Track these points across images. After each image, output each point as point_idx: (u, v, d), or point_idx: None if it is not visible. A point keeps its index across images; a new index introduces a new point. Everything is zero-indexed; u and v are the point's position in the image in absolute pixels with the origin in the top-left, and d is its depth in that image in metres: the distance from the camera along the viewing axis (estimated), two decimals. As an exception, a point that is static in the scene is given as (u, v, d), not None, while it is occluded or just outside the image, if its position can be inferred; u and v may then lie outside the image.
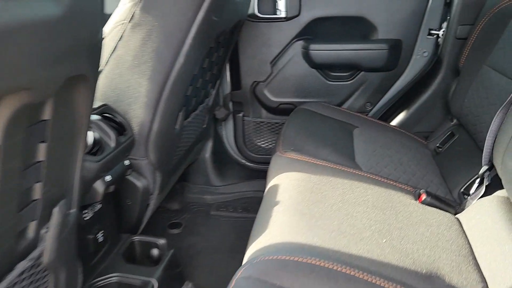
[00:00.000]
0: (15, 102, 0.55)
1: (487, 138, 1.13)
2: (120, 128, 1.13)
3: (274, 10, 1.79)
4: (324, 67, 1.87)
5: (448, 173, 1.42)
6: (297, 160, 1.26)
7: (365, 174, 1.23)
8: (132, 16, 1.14)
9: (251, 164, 2.07)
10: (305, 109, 1.69)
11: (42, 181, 0.69)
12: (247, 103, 1.97)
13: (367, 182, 1.18)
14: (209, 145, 2.00)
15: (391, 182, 1.21)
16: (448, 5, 1.69)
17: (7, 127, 0.55)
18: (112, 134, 1.04)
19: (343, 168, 1.24)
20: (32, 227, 0.73)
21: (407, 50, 1.78)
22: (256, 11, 1.78)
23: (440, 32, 1.72)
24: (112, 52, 1.16)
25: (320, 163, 1.24)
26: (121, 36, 1.14)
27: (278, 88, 1.91)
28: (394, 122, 1.83)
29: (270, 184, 1.21)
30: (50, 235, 0.75)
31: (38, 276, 0.77)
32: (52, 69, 0.58)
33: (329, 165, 1.24)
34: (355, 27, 1.81)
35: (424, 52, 1.77)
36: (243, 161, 2.07)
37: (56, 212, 0.76)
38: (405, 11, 1.72)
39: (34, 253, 0.74)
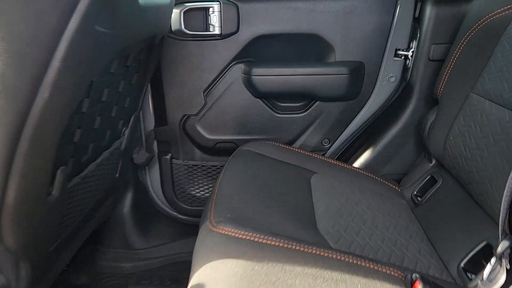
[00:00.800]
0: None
1: (502, 205, 0.79)
2: None
3: (206, 25, 1.41)
4: (270, 97, 1.50)
5: (437, 236, 1.07)
6: (235, 238, 0.85)
7: (335, 255, 0.85)
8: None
9: (184, 217, 1.64)
10: (248, 150, 1.30)
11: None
12: (175, 143, 1.55)
13: (339, 270, 0.80)
14: (128, 197, 1.56)
15: (372, 266, 0.84)
16: (417, 20, 1.39)
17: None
18: None
19: (303, 248, 0.85)
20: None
21: (371, 74, 1.45)
22: (182, 27, 1.39)
23: (409, 53, 1.41)
24: None
25: (270, 242, 0.85)
26: None
27: (214, 123, 1.51)
28: (358, 163, 1.48)
29: (194, 277, 0.80)
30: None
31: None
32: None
33: (284, 244, 0.85)
34: (308, 48, 1.47)
35: (391, 76, 1.45)
36: (174, 213, 1.65)
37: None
38: (367, 28, 1.40)
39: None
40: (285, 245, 0.85)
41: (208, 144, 1.54)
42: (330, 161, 1.36)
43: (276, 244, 0.85)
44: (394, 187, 1.34)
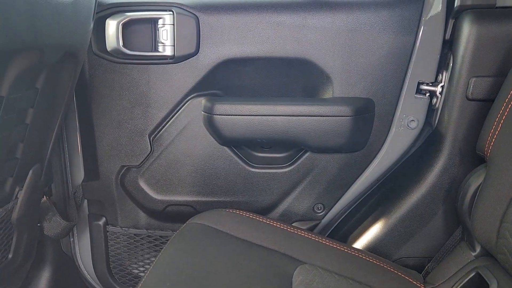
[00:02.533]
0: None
1: None
2: None
3: (154, 44, 1.01)
4: (241, 144, 1.08)
5: None
6: None
7: None
8: None
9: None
10: (199, 225, 0.88)
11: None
12: (111, 203, 1.13)
13: None
14: (44, 279, 1.12)
15: None
16: (449, 43, 0.99)
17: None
18: None
19: None
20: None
21: (383, 117, 1.04)
22: (120, 45, 0.99)
23: (437, 88, 1.00)
24: None
25: None
26: None
27: (164, 178, 1.09)
28: (362, 240, 1.05)
29: None
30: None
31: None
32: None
33: None
34: (295, 78, 1.06)
35: (412, 120, 1.04)
36: (111, 298, 1.20)
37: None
38: (378, 52, 1.00)
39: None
40: None
41: (156, 207, 1.11)
42: (323, 241, 0.93)
43: None
44: (417, 283, 0.90)
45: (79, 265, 1.20)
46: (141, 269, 1.17)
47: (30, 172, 0.88)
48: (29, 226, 0.95)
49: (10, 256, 0.92)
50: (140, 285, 0.74)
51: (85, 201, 1.15)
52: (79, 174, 1.12)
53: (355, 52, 1.00)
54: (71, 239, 1.19)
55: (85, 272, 1.20)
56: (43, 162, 0.92)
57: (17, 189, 0.87)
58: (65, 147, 1.11)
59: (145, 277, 0.76)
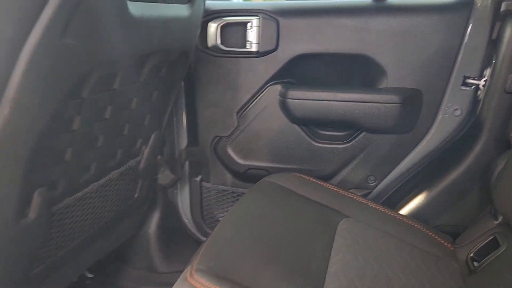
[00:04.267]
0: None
1: None
2: None
3: (243, 41, 1.29)
4: (308, 123, 1.34)
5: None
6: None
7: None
8: None
9: (212, 245, 1.52)
10: (271, 183, 1.15)
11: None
12: (206, 165, 1.45)
13: None
14: (155, 217, 1.49)
15: None
16: (493, 42, 1.14)
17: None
18: None
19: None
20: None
21: (431, 105, 1.22)
22: (218, 42, 1.29)
23: (481, 82, 1.16)
24: None
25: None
26: None
27: (246, 147, 1.39)
28: (407, 208, 1.25)
29: None
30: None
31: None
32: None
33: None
34: (356, 70, 1.29)
35: (456, 109, 1.21)
36: (203, 239, 1.54)
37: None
38: (428, 50, 1.18)
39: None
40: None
41: (240, 169, 1.41)
42: (370, 204, 1.16)
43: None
44: (446, 244, 1.09)
45: (179, 211, 1.54)
46: (226, 218, 1.49)
47: (152, 136, 1.22)
48: (149, 176, 1.30)
49: (136, 195, 1.27)
50: (219, 224, 1.02)
51: (187, 162, 1.48)
52: (184, 141, 1.46)
53: (408, 50, 1.19)
54: (175, 191, 1.53)
55: (183, 216, 1.55)
56: (160, 130, 1.26)
57: (143, 147, 1.22)
58: (174, 120, 1.45)
59: (215, 230, 1.02)
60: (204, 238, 1.54)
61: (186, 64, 1.19)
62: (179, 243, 1.55)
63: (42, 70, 0.68)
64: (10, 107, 0.67)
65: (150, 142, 1.22)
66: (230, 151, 1.40)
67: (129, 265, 1.51)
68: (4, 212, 0.77)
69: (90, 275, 1.48)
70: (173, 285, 1.48)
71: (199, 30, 1.18)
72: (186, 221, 1.55)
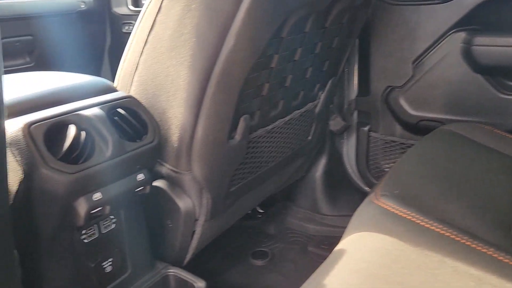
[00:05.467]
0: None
1: None
2: (143, 130, 0.84)
3: (427, -13, 1.26)
4: (495, 72, 1.25)
5: None
6: (394, 214, 0.77)
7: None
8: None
9: (375, 195, 1.57)
10: (449, 131, 1.13)
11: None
12: (376, 115, 1.48)
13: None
14: (322, 163, 1.59)
15: None
16: None
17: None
18: (111, 138, 0.75)
19: (482, 248, 0.70)
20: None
21: None
22: (398, -10, 1.29)
23: None
24: (151, 29, 0.88)
25: (435, 229, 0.73)
26: (160, 7, 0.85)
27: (420, 97, 1.37)
28: None
29: (341, 242, 0.77)
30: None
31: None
32: None
33: (454, 235, 0.72)
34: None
35: None
36: (366, 188, 1.59)
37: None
38: None
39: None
40: (455, 237, 0.72)
41: (411, 120, 1.41)
42: None
43: (442, 232, 0.72)
44: None
45: (344, 159, 1.62)
46: (392, 169, 1.51)
47: (329, 82, 1.30)
48: (322, 120, 1.39)
49: (309, 138, 1.38)
50: (399, 160, 1.04)
51: (356, 111, 1.53)
52: (354, 91, 1.51)
53: None
54: (342, 140, 1.60)
55: (348, 165, 1.61)
56: (336, 77, 1.33)
57: (320, 92, 1.30)
58: (345, 70, 1.50)
59: (395, 165, 1.03)
60: (367, 188, 1.59)
61: (366, 12, 1.22)
62: (342, 190, 1.63)
63: (261, 6, 0.79)
64: (234, 39, 0.80)
65: (327, 87, 1.30)
66: (402, 102, 1.41)
67: (295, 204, 1.65)
68: (222, 134, 0.93)
69: (261, 210, 1.68)
70: (335, 227, 1.59)
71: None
72: (350, 170, 1.61)
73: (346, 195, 1.63)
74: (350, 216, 1.57)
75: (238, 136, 0.98)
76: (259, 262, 1.43)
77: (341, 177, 1.63)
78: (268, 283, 1.34)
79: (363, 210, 0.83)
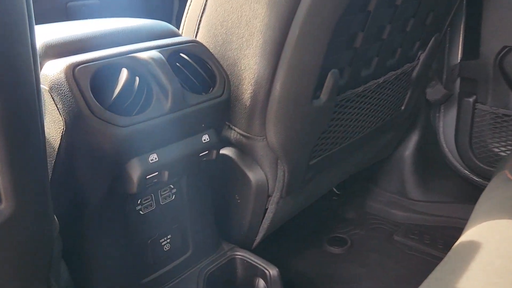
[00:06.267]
0: None
1: None
2: (210, 81, 0.69)
3: None
4: None
5: None
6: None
7: None
8: None
9: (477, 179, 1.32)
10: None
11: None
12: (485, 82, 1.22)
13: None
14: (413, 139, 1.36)
15: None
16: None
17: None
18: (171, 88, 0.61)
19: None
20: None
21: None
22: None
23: None
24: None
25: None
26: None
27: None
28: None
29: (471, 220, 0.58)
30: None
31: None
32: None
33: None
34: None
35: None
36: (466, 172, 1.34)
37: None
38: None
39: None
40: None
41: (533, 88, 1.14)
42: None
43: None
44: None
45: (440, 137, 1.37)
46: (503, 148, 1.25)
47: (432, 39, 1.07)
48: (419, 87, 1.16)
49: (402, 108, 1.16)
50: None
51: (458, 79, 1.28)
52: (457, 53, 1.25)
53: None
54: (437, 114, 1.36)
55: (444, 144, 1.37)
56: (440, 34, 1.10)
57: (420, 52, 1.08)
58: (447, 29, 1.25)
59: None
60: (467, 172, 1.34)
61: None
62: (436, 173, 1.39)
63: None
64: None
65: (428, 46, 1.07)
66: (522, 65, 1.14)
67: (378, 186, 1.44)
68: (305, 91, 0.75)
69: (337, 192, 1.49)
70: (427, 214, 1.36)
71: None
72: (446, 149, 1.37)
73: (440, 178, 1.39)
74: (445, 203, 1.35)
75: (324, 95, 0.79)
76: (336, 250, 1.26)
77: (435, 157, 1.39)
78: (348, 274, 1.16)
79: (498, 187, 0.63)
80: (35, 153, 0.43)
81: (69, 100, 0.54)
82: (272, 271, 0.84)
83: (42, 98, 0.56)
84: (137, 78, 0.58)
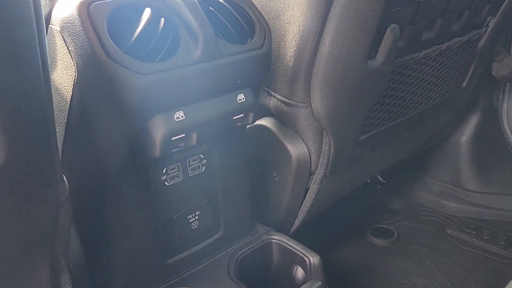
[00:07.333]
0: None
1: None
2: (248, 31, 0.59)
3: None
4: None
5: None
6: None
7: None
8: None
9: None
10: None
11: None
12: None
13: None
14: (472, 123, 1.22)
15: None
16: None
17: None
18: (202, 32, 0.51)
19: None
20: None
21: None
22: None
23: None
24: None
25: None
26: None
27: None
28: None
29: None
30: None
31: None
32: None
33: None
34: None
35: None
36: (532, 161, 1.19)
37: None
38: None
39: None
40: None
41: None
42: None
43: None
44: None
45: (503, 121, 1.22)
46: None
47: (505, 2, 0.92)
48: (485, 59, 1.02)
49: (463, 84, 1.02)
50: None
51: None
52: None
53: None
54: (501, 95, 1.21)
55: (507, 129, 1.22)
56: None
57: (489, 18, 0.94)
58: None
59: None
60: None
61: None
62: (497, 161, 1.24)
63: None
64: None
65: (500, 10, 0.93)
66: None
67: (429, 175, 1.31)
68: (359, 49, 0.64)
69: (383, 180, 1.36)
70: (485, 207, 1.22)
71: None
72: (510, 134, 1.22)
73: (502, 168, 1.24)
74: (508, 195, 1.20)
75: (380, 55, 0.68)
76: (381, 241, 1.14)
77: (496, 143, 1.24)
78: (395, 268, 1.05)
79: None
80: (33, 95, 0.34)
81: (82, 41, 0.46)
82: (313, 258, 0.74)
83: (53, 40, 0.48)
84: (162, 20, 0.49)
